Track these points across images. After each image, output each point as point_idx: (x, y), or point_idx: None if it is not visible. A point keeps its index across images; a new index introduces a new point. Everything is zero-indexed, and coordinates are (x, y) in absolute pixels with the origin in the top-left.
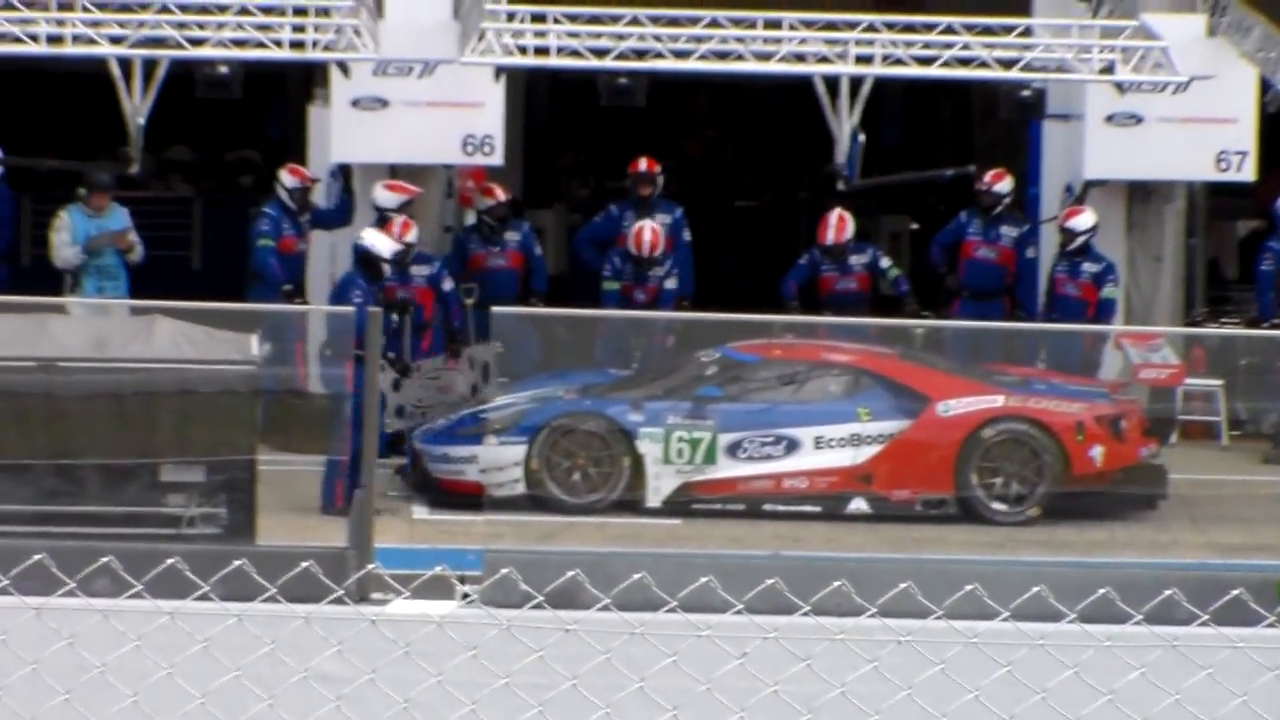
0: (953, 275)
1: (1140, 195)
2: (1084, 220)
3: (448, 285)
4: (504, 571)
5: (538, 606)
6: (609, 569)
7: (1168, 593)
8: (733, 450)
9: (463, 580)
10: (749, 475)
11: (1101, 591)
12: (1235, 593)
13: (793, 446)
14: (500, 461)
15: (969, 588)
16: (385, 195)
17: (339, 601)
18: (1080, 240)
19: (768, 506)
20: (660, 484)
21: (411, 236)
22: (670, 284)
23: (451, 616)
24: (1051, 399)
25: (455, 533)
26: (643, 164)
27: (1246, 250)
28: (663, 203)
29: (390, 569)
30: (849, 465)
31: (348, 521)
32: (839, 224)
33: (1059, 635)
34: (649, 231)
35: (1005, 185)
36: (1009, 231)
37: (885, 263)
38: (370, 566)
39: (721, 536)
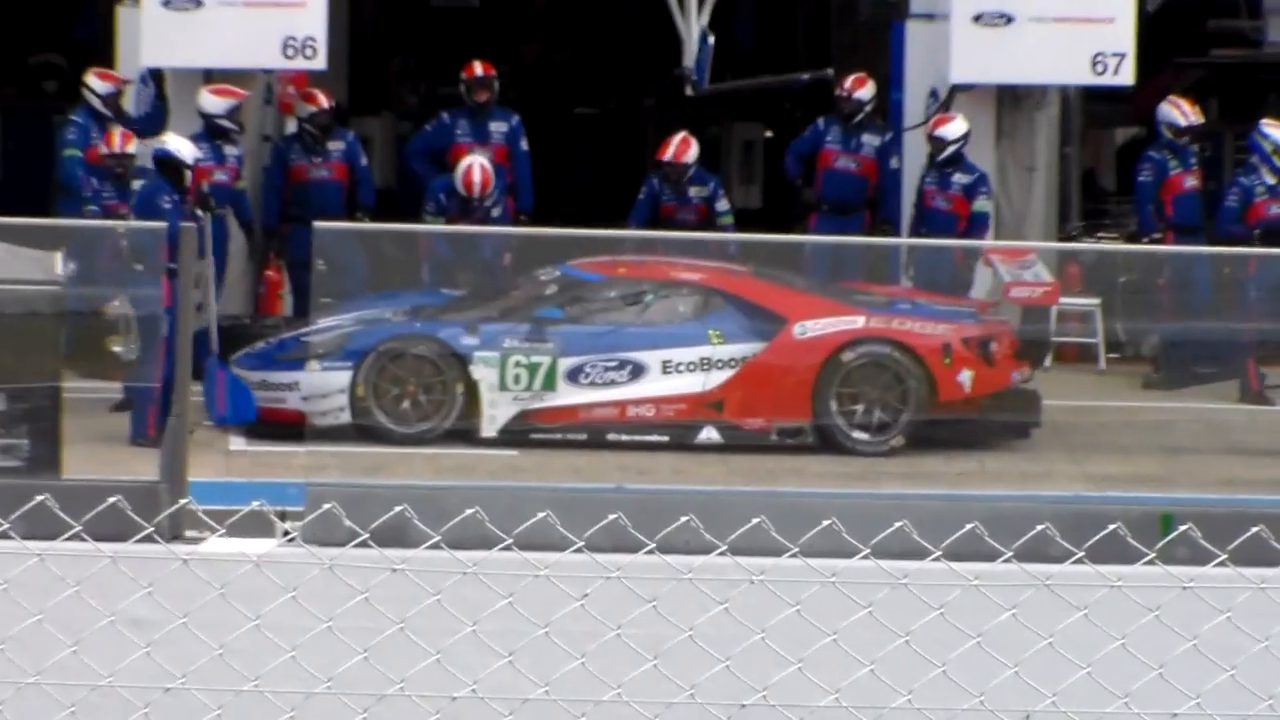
0: (809, 188)
1: (1011, 101)
2: (954, 128)
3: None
4: (327, 506)
5: (363, 544)
6: (440, 503)
7: (1040, 527)
8: (574, 376)
9: (283, 516)
10: (591, 402)
11: (969, 526)
12: (1112, 527)
13: (638, 371)
14: (324, 388)
15: (826, 522)
16: (212, 100)
17: (149, 540)
18: (950, 150)
19: (612, 436)
20: (496, 412)
21: (132, 148)
22: (496, 213)
23: (270, 555)
24: (916, 319)
25: (275, 465)
26: (477, 68)
27: (1125, 160)
28: (498, 110)
29: (205, 504)
30: (699, 391)
31: (159, 453)
32: (681, 144)
33: (923, 574)
34: (479, 171)
35: (866, 91)
36: (870, 140)
37: (722, 205)
38: (183, 501)
39: (562, 468)
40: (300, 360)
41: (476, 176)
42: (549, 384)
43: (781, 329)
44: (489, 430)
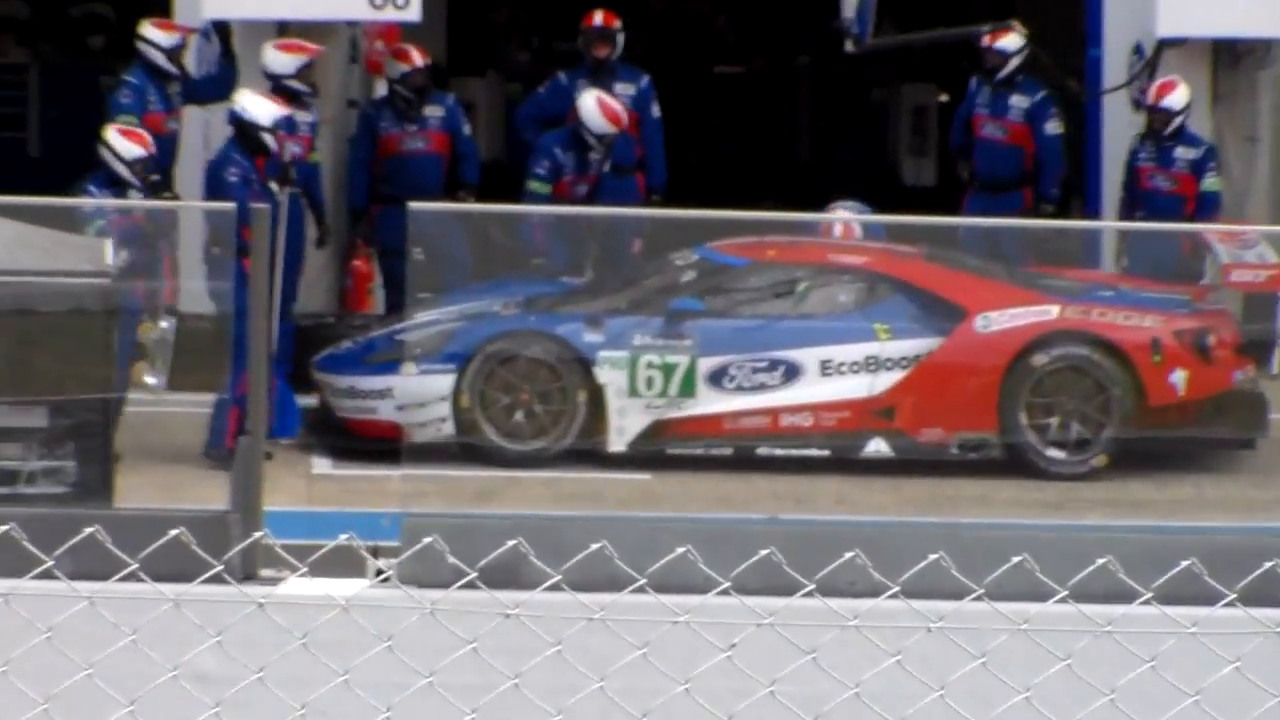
0: (966, 160)
1: (1229, 58)
2: (1179, 97)
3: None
4: (427, 540)
5: (470, 585)
6: (560, 537)
7: (1270, 564)
8: (716, 379)
9: (375, 553)
10: (738, 410)
11: (1185, 563)
12: None
13: (793, 373)
14: (422, 396)
15: (1017, 559)
16: (278, 58)
17: (218, 580)
18: (1176, 123)
19: (763, 450)
20: (625, 423)
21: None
22: (607, 167)
23: (361, 598)
24: (1119, 309)
25: (366, 492)
26: (598, 18)
27: None
28: (624, 69)
29: (284, 538)
30: (864, 397)
31: (229, 477)
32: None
33: (1131, 619)
34: (615, 101)
35: (1011, 42)
36: (1019, 103)
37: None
38: (258, 535)
39: (704, 495)
40: (394, 362)
41: (616, 106)
42: (688, 389)
43: (960, 322)
44: (617, 445)
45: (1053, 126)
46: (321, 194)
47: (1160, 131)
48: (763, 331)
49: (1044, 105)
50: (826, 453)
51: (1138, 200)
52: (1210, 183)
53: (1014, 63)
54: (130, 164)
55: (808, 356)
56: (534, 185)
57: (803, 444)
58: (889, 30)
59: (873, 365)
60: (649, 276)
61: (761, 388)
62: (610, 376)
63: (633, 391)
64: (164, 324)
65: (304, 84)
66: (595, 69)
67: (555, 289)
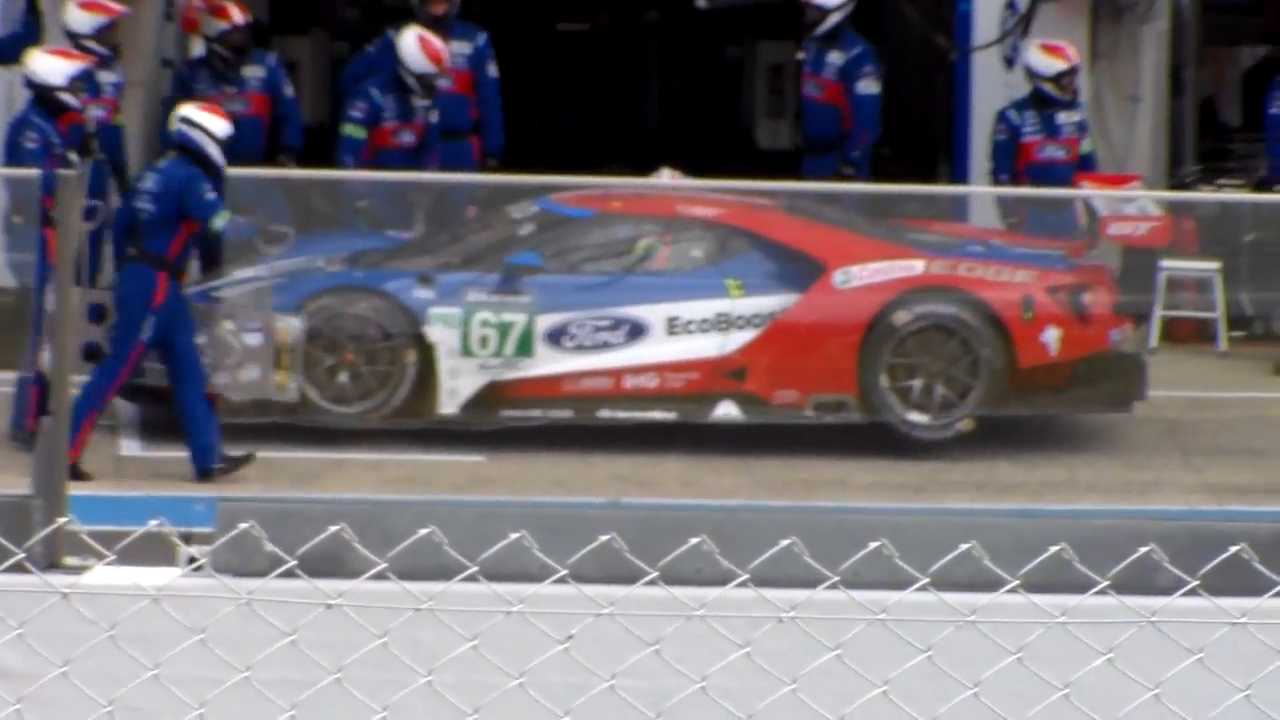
0: (798, 120)
1: (1109, 12)
2: (1066, 60)
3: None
4: (243, 526)
5: (288, 574)
6: (386, 522)
7: (1145, 550)
8: (555, 337)
9: (187, 539)
10: (579, 371)
11: (1055, 549)
12: (1236, 549)
13: (637, 332)
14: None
15: (875, 545)
16: (78, 15)
17: (19, 569)
18: (1062, 88)
19: (604, 413)
20: (458, 384)
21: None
22: (435, 117)
23: (172, 588)
24: (989, 264)
25: (177, 474)
26: None
27: (1252, 87)
28: (460, 26)
29: (90, 524)
30: (715, 356)
31: (32, 459)
32: None
33: (997, 609)
34: (436, 40)
35: None
36: (835, 60)
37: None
38: (62, 521)
39: (541, 478)
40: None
41: (439, 44)
42: (524, 348)
43: (818, 277)
44: (449, 407)
45: (865, 85)
46: (126, 159)
47: (1049, 97)
48: (606, 288)
49: (858, 62)
50: (673, 415)
51: (1020, 179)
52: (1088, 143)
53: (833, 19)
54: (67, 88)
55: (654, 314)
56: (348, 129)
57: (648, 407)
58: None
59: (723, 323)
60: (484, 229)
61: (604, 347)
62: (441, 335)
63: (466, 351)
64: None
65: (104, 45)
66: (430, 26)
67: (383, 243)
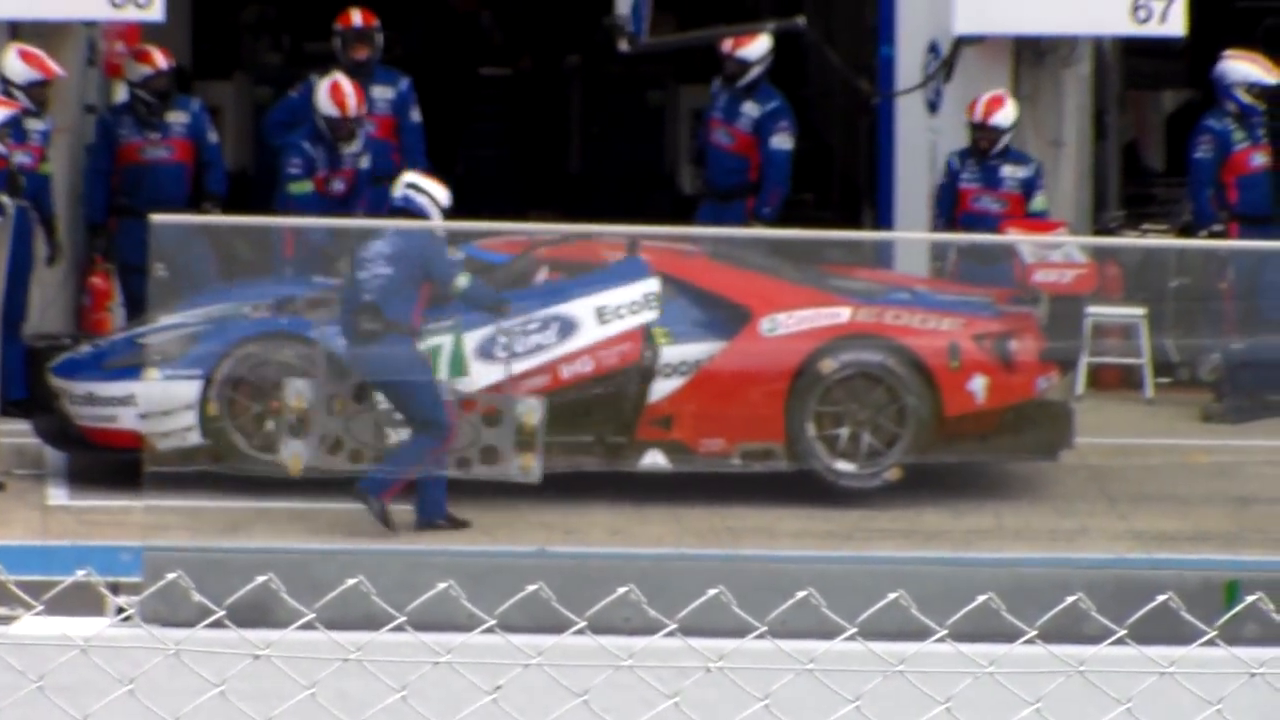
0: (700, 167)
1: (1031, 56)
2: (1008, 114)
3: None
4: (171, 576)
5: (217, 624)
6: (314, 572)
7: (1072, 599)
8: (487, 350)
9: (115, 589)
10: (516, 375)
11: (983, 598)
12: (1163, 598)
13: (569, 328)
14: (166, 404)
15: (802, 594)
16: (17, 65)
17: None
18: (1004, 141)
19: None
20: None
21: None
22: (365, 163)
23: (100, 638)
24: (915, 312)
25: (104, 523)
26: (356, 17)
27: (1176, 131)
28: (383, 71)
29: (16, 574)
30: (648, 323)
31: None
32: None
33: (925, 658)
34: (347, 84)
35: (754, 50)
36: (750, 111)
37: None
38: None
39: (469, 529)
40: (135, 367)
41: (347, 88)
42: (457, 369)
43: (744, 325)
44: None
45: (779, 141)
46: (52, 207)
47: (987, 150)
48: (529, 297)
49: (773, 117)
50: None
51: (956, 225)
52: (1040, 202)
53: (755, 72)
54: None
55: (582, 307)
56: (293, 187)
57: (589, 387)
58: (667, 28)
59: (653, 302)
60: None
61: (537, 348)
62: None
63: None
64: None
65: (32, 100)
66: (352, 72)
67: (308, 289)
